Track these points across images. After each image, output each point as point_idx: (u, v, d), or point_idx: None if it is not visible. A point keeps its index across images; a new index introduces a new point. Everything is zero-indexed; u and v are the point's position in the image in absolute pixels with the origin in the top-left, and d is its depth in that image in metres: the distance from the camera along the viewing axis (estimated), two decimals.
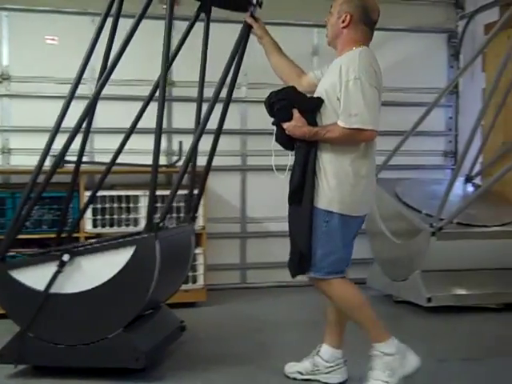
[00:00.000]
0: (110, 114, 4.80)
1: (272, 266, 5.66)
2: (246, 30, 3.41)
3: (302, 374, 3.31)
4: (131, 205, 4.79)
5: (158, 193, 4.76)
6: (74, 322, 3.24)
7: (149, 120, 4.38)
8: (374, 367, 3.01)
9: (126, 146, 3.60)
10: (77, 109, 5.10)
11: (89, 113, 3.52)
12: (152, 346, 3.33)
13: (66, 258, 3.23)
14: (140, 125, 4.75)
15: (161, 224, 3.28)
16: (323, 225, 2.98)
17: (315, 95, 3.05)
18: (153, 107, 4.38)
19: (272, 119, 3.07)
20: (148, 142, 4.42)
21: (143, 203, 4.76)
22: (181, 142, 5.06)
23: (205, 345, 3.92)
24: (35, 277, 3.26)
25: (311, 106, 3.00)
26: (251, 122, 5.43)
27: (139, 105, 3.81)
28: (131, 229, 4.69)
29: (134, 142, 3.98)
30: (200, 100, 3.67)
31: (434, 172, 6.10)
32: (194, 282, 4.84)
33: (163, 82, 3.26)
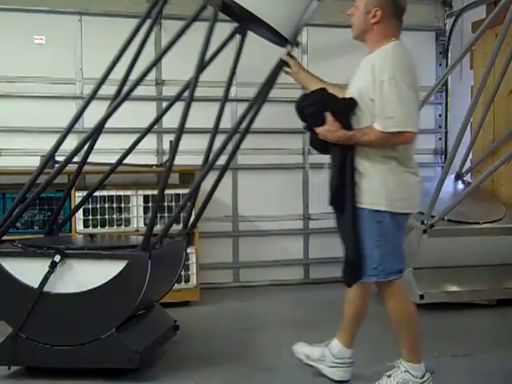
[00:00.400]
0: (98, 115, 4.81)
1: (265, 265, 5.68)
2: (280, 66, 3.39)
3: (308, 358, 3.30)
4: (122, 205, 4.78)
5: (149, 192, 4.82)
6: (66, 322, 3.23)
7: (137, 120, 4.40)
8: (393, 376, 2.99)
9: (116, 146, 3.58)
10: (65, 109, 5.19)
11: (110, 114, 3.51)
12: (145, 345, 3.32)
13: (57, 258, 3.21)
14: (129, 124, 4.77)
15: (157, 246, 3.27)
16: (376, 225, 2.88)
17: (347, 96, 2.95)
18: (140, 107, 4.40)
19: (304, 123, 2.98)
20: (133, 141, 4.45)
21: (135, 203, 4.75)
22: (171, 142, 5.01)
23: (198, 344, 3.91)
24: (26, 271, 3.24)
25: (344, 108, 2.89)
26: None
27: (128, 105, 3.76)
28: (123, 229, 4.68)
29: (124, 141, 3.97)
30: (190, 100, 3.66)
31: (425, 170, 6.09)
32: (187, 281, 4.83)
33: (194, 85, 3.24)
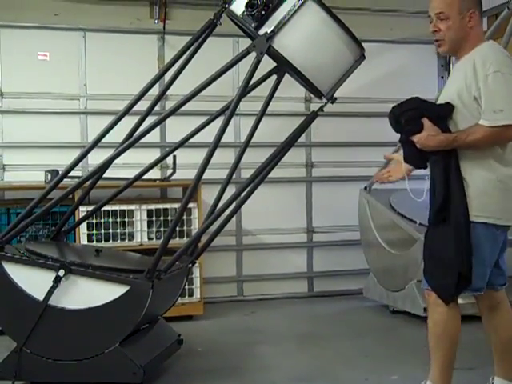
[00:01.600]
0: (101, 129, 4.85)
1: (268, 278, 5.67)
2: (313, 118, 3.43)
3: None
4: (126, 219, 4.79)
5: (152, 206, 4.84)
6: (70, 337, 3.24)
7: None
8: None
9: (118, 161, 3.60)
10: (69, 124, 5.23)
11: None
12: (149, 359, 3.33)
13: (61, 273, 3.23)
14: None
15: (162, 276, 3.29)
16: (492, 236, 2.70)
17: (439, 102, 2.80)
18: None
19: (399, 136, 2.84)
20: (140, 155, 4.47)
21: (138, 217, 4.77)
22: (174, 156, 5.06)
23: (202, 358, 3.90)
24: (30, 280, 3.27)
25: (442, 113, 2.73)
26: (244, 134, 5.44)
27: (131, 119, 3.77)
28: (126, 243, 4.70)
29: (126, 156, 3.99)
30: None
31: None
32: (191, 295, 4.83)
33: (235, 104, 3.28)
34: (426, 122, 2.71)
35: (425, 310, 4.55)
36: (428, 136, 2.69)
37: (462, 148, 2.69)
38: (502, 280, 2.94)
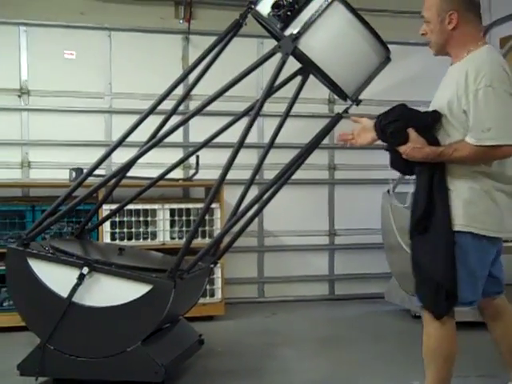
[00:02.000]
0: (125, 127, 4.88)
1: (289, 280, 5.67)
2: (337, 120, 3.44)
3: None
4: (149, 218, 4.82)
5: (175, 206, 4.86)
6: (93, 334, 3.26)
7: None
8: None
9: (143, 160, 3.62)
10: (94, 123, 5.27)
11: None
12: (171, 359, 3.34)
13: (85, 270, 3.25)
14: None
15: (184, 275, 3.29)
16: (474, 248, 2.61)
17: (431, 108, 2.71)
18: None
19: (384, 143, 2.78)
20: (163, 155, 4.48)
21: (161, 216, 4.79)
22: (197, 157, 5.07)
23: (223, 358, 3.91)
24: (54, 277, 3.30)
25: (429, 123, 2.64)
26: (268, 135, 5.44)
27: (155, 119, 3.78)
28: (149, 242, 4.72)
29: (149, 155, 4.00)
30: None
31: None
32: (212, 295, 4.84)
33: (260, 105, 3.28)
34: (411, 133, 2.62)
35: None
36: (413, 148, 2.61)
37: (448, 162, 2.61)
38: (498, 288, 2.85)
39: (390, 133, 2.66)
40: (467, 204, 2.60)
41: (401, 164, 2.74)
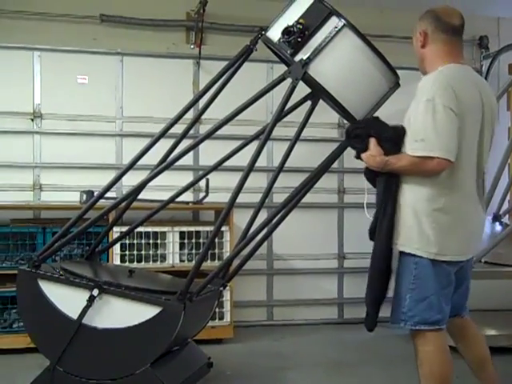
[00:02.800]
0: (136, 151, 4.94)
1: (299, 303, 5.65)
2: (345, 146, 3.42)
3: None
4: (159, 241, 4.84)
5: (185, 229, 4.88)
6: (102, 356, 3.27)
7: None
8: None
9: (153, 183, 3.65)
10: (105, 146, 5.32)
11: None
12: (179, 382, 3.36)
13: (95, 292, 3.27)
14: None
15: (194, 298, 3.31)
16: (413, 267, 2.68)
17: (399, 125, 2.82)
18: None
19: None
20: (173, 178, 4.51)
21: (171, 239, 4.81)
22: (207, 180, 5.11)
23: (231, 382, 3.90)
24: (64, 298, 3.31)
25: (390, 135, 2.75)
26: (277, 159, 5.48)
27: (166, 142, 3.82)
28: (158, 265, 4.74)
29: (160, 178, 4.04)
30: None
31: None
32: (221, 318, 4.84)
33: (270, 129, 3.30)
34: (371, 141, 2.76)
35: None
36: (369, 156, 2.75)
37: (395, 172, 2.71)
38: (460, 311, 2.95)
39: (353, 137, 2.86)
40: (412, 223, 2.67)
41: (366, 173, 2.87)
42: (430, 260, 2.67)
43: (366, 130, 2.81)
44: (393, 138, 2.75)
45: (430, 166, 2.59)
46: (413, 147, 2.62)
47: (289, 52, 3.16)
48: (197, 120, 3.91)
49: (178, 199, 4.12)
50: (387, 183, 2.73)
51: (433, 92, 2.60)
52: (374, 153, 2.74)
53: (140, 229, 4.71)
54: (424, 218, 2.66)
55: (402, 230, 2.71)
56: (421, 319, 2.70)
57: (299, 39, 3.11)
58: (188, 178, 4.68)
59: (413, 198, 2.69)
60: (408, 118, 2.73)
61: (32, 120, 5.23)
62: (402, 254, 2.76)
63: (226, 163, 3.94)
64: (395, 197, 2.72)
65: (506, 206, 5.53)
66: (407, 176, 2.70)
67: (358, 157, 2.86)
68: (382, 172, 2.75)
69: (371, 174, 2.85)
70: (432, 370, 2.69)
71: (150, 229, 4.79)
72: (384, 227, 2.73)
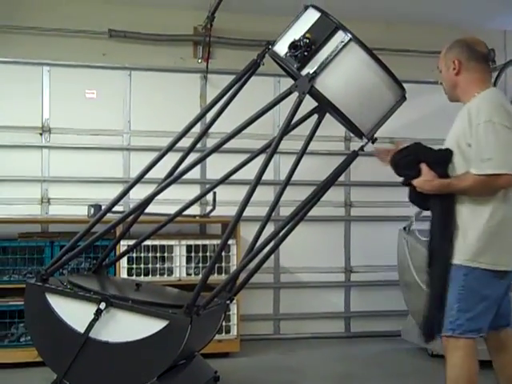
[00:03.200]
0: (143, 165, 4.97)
1: (305, 317, 5.64)
2: (354, 157, 3.50)
3: None
4: (165, 254, 4.85)
5: (192, 242, 4.89)
6: (109, 370, 3.27)
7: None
8: None
9: (160, 196, 3.67)
10: (113, 160, 5.35)
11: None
12: None
13: (102, 306, 3.27)
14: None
15: (201, 311, 3.31)
16: (461, 278, 2.77)
17: (443, 148, 2.92)
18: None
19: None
20: (180, 191, 4.53)
21: (177, 252, 4.82)
22: (214, 193, 5.12)
23: None
24: (71, 312, 3.32)
25: (439, 158, 2.86)
26: (284, 172, 5.48)
27: (173, 156, 3.84)
28: (165, 278, 4.74)
29: (168, 191, 4.05)
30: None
31: None
32: (228, 332, 4.84)
33: (277, 143, 3.32)
34: (423, 167, 2.85)
35: None
36: (424, 181, 2.84)
37: (456, 193, 2.81)
38: (504, 321, 2.96)
39: (404, 165, 2.92)
40: (474, 239, 2.76)
41: (418, 198, 2.93)
42: (481, 270, 2.76)
43: (416, 157, 2.89)
44: (441, 162, 2.85)
45: (498, 183, 2.73)
46: (481, 167, 2.72)
47: (295, 66, 3.18)
48: (204, 134, 3.93)
49: (185, 212, 4.13)
50: (443, 204, 2.83)
51: (489, 113, 2.74)
52: (429, 177, 2.83)
53: (147, 242, 4.72)
54: (481, 232, 2.77)
55: (463, 246, 2.80)
56: (467, 328, 2.77)
57: (306, 53, 3.13)
58: (195, 191, 4.70)
59: (471, 215, 2.80)
60: (456, 141, 2.84)
61: (41, 134, 5.27)
62: (457, 267, 2.82)
63: (233, 177, 3.95)
64: (453, 216, 2.81)
65: None
66: (463, 195, 2.81)
67: (407, 183, 2.92)
68: (434, 194, 2.84)
69: (418, 198, 2.92)
70: (460, 374, 2.80)
71: (157, 242, 4.80)
72: (446, 248, 2.81)
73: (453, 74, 2.94)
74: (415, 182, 2.86)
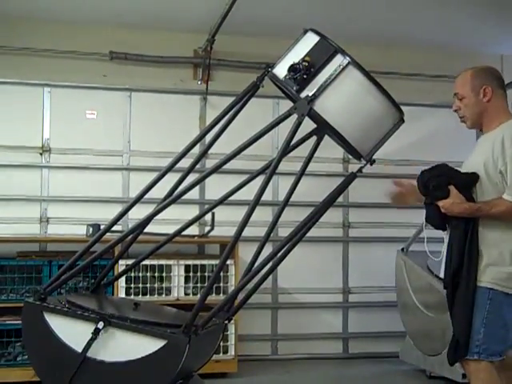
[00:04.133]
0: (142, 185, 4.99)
1: (303, 338, 5.64)
2: (351, 179, 3.47)
3: None
4: (164, 274, 4.85)
5: (190, 262, 4.90)
6: None
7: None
8: None
9: (159, 216, 3.68)
10: (112, 180, 5.37)
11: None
12: None
13: (100, 325, 3.27)
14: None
15: (199, 331, 3.31)
16: (487, 302, 2.81)
17: (464, 171, 2.97)
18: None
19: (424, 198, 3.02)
20: (179, 211, 4.54)
21: (176, 272, 4.83)
22: (213, 213, 5.15)
23: None
24: (69, 331, 3.30)
25: (469, 182, 2.91)
26: (283, 193, 5.51)
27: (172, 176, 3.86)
28: (163, 298, 4.74)
29: (167, 211, 4.07)
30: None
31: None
32: (225, 352, 4.83)
33: (276, 164, 3.31)
34: (452, 189, 2.88)
35: (463, 376, 4.47)
36: (453, 203, 2.86)
37: (483, 217, 2.85)
38: None
39: (433, 186, 2.93)
40: (497, 261, 2.82)
41: (437, 218, 2.96)
42: (504, 293, 2.82)
43: (447, 179, 2.93)
44: (469, 185, 2.91)
45: None
46: None
47: (295, 89, 3.21)
48: (203, 154, 3.95)
49: (184, 233, 4.13)
50: (465, 228, 2.86)
51: None
52: (458, 200, 2.87)
53: (145, 262, 4.73)
54: (505, 254, 2.83)
55: (485, 269, 2.84)
56: (491, 352, 2.81)
57: (305, 76, 3.16)
58: (194, 211, 4.72)
59: (499, 239, 2.85)
60: (484, 167, 2.88)
61: (41, 154, 5.31)
62: (481, 290, 2.85)
63: (232, 197, 3.96)
64: (476, 239, 2.85)
65: None
66: (489, 220, 2.85)
67: (430, 203, 2.96)
68: (457, 217, 2.88)
69: (438, 218, 2.95)
70: None
71: (155, 262, 4.81)
72: (471, 270, 2.83)
73: (483, 100, 2.98)
74: (443, 202, 2.89)
